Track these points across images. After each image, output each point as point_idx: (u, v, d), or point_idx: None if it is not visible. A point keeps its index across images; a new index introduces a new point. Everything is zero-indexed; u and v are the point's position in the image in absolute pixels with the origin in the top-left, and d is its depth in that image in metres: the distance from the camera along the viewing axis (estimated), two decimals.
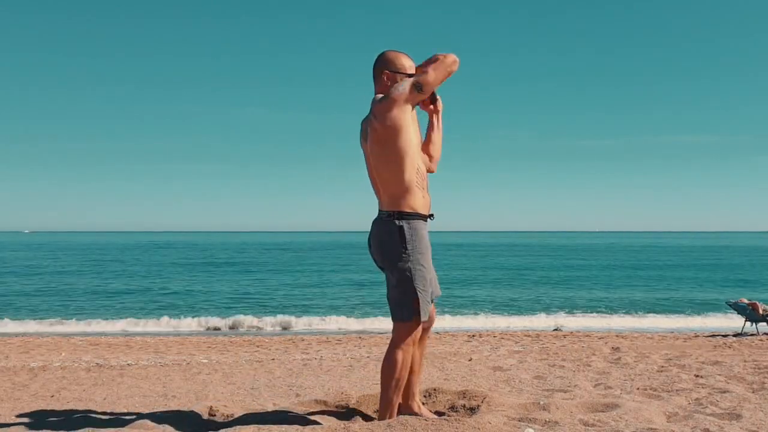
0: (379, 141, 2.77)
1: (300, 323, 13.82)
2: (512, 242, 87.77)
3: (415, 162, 2.78)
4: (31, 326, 13.29)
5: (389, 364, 2.80)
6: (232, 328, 13.31)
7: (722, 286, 22.66)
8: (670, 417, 3.11)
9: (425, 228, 2.84)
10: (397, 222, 2.75)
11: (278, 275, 28.20)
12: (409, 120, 2.76)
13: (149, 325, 13.53)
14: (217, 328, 13.26)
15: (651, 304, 17.19)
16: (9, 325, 13.32)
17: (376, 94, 2.88)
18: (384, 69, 2.86)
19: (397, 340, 2.81)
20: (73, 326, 13.37)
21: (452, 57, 2.77)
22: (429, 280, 2.80)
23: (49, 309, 16.37)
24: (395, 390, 2.82)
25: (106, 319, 14.39)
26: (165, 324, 13.72)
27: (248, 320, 14.14)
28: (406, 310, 2.77)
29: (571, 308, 16.14)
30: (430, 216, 2.92)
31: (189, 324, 13.71)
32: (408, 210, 2.76)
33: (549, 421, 2.91)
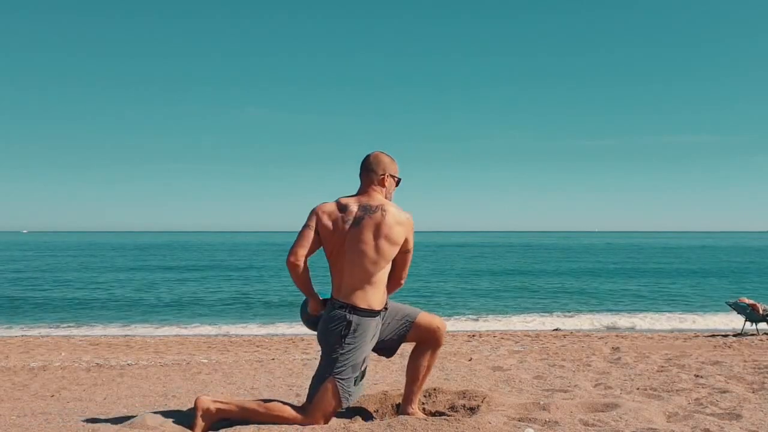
0: (387, 245, 2.88)
1: (299, 323, 13.79)
2: (511, 242, 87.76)
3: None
4: (30, 326, 13.29)
5: (280, 414, 2.87)
6: (232, 328, 13.29)
7: (722, 286, 22.64)
8: (670, 417, 3.11)
9: (374, 322, 2.91)
10: (348, 316, 2.85)
11: (278, 275, 28.18)
12: None
13: (149, 326, 13.51)
14: (217, 329, 13.25)
15: (651, 304, 17.18)
16: (9, 326, 13.32)
17: (372, 187, 2.97)
18: (388, 173, 3.00)
19: (314, 412, 2.85)
20: (72, 326, 13.36)
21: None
22: (357, 366, 2.86)
23: (49, 309, 16.36)
24: (259, 418, 2.87)
25: (106, 319, 14.39)
26: (165, 324, 13.71)
27: (248, 320, 14.14)
28: (332, 395, 2.84)
29: (570, 308, 16.13)
30: (384, 308, 2.99)
31: (189, 324, 13.71)
32: (365, 306, 2.86)
33: (549, 421, 2.91)
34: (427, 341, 3.06)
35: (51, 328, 13.10)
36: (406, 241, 2.92)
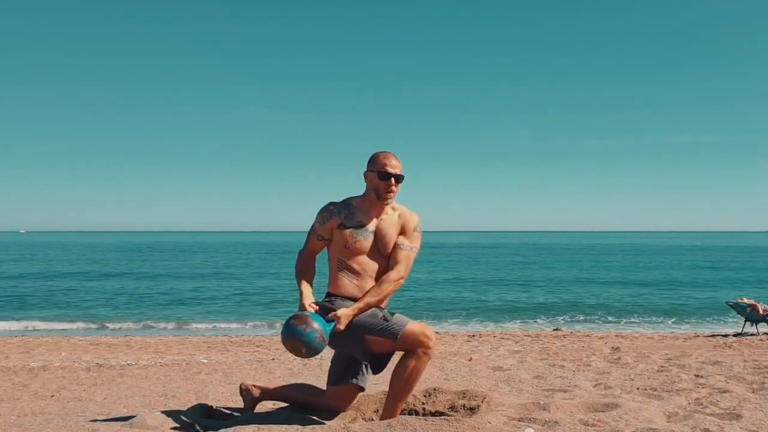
0: None
1: None
2: (511, 242, 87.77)
3: (336, 256, 3.08)
4: (30, 326, 13.29)
5: (400, 370, 2.87)
6: (232, 328, 13.30)
7: (722, 286, 22.64)
8: (670, 417, 3.11)
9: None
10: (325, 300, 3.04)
11: (278, 275, 28.18)
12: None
13: (149, 326, 13.51)
14: (217, 329, 13.26)
15: (651, 304, 17.18)
16: (9, 325, 13.31)
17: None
18: (366, 170, 3.05)
19: (411, 349, 2.86)
20: (72, 326, 13.36)
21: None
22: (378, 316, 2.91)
23: (48, 309, 16.36)
24: (402, 394, 2.90)
25: (106, 318, 14.38)
26: (165, 324, 13.71)
27: (248, 320, 14.15)
28: (388, 331, 2.85)
29: (571, 308, 16.13)
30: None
31: (189, 324, 13.71)
32: (333, 292, 3.05)
33: (549, 421, 2.91)
34: None
35: (51, 328, 13.10)
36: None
